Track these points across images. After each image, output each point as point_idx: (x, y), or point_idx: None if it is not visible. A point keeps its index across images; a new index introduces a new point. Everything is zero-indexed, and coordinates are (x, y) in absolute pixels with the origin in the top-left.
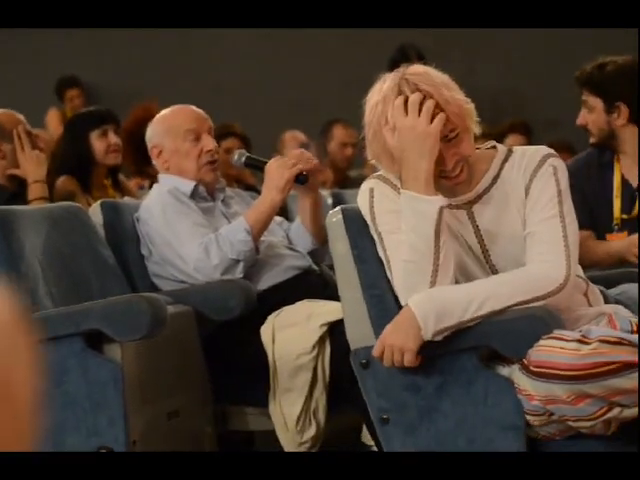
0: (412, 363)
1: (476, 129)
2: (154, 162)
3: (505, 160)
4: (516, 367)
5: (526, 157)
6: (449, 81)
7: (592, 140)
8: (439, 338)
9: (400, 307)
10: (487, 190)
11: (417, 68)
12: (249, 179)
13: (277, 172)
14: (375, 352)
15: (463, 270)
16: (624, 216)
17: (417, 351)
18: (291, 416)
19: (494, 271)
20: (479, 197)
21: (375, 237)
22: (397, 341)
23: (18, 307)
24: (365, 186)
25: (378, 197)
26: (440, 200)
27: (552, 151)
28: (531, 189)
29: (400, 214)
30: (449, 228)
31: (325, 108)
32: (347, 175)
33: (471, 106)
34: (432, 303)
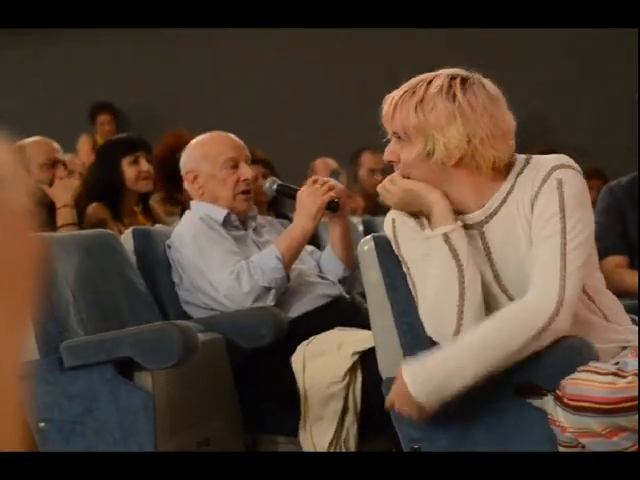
0: (424, 420)
1: (443, 155)
2: (187, 187)
3: (520, 173)
4: (550, 398)
5: (535, 169)
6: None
7: None
8: (436, 402)
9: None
10: (498, 208)
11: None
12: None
13: (309, 199)
14: (387, 406)
15: None
16: None
17: (424, 416)
18: (322, 445)
19: (508, 296)
20: (490, 216)
21: (404, 267)
22: (403, 408)
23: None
24: (388, 216)
25: (400, 226)
26: (444, 228)
27: (565, 161)
28: (535, 205)
29: (422, 242)
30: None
31: (357, 135)
32: (377, 202)
33: (454, 133)
34: (424, 379)
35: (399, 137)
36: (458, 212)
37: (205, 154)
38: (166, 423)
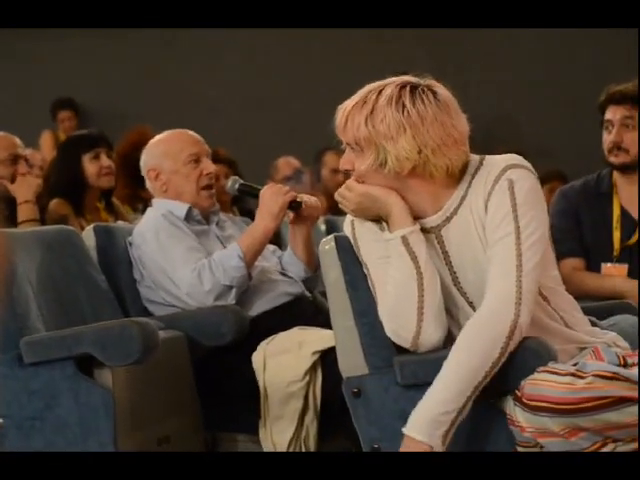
0: None
1: (394, 165)
2: (149, 185)
3: (474, 175)
4: (509, 398)
5: (486, 171)
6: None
7: (620, 160)
8: (450, 436)
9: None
10: (455, 212)
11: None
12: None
13: (271, 199)
14: None
15: None
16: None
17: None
18: (281, 443)
19: (466, 298)
20: (447, 220)
21: (363, 268)
22: None
23: None
24: (348, 218)
25: (359, 228)
26: (402, 230)
27: (516, 161)
28: (488, 206)
29: (380, 244)
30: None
31: (321, 134)
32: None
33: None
34: (422, 418)
35: (352, 146)
36: (415, 217)
37: (167, 151)
38: (126, 420)
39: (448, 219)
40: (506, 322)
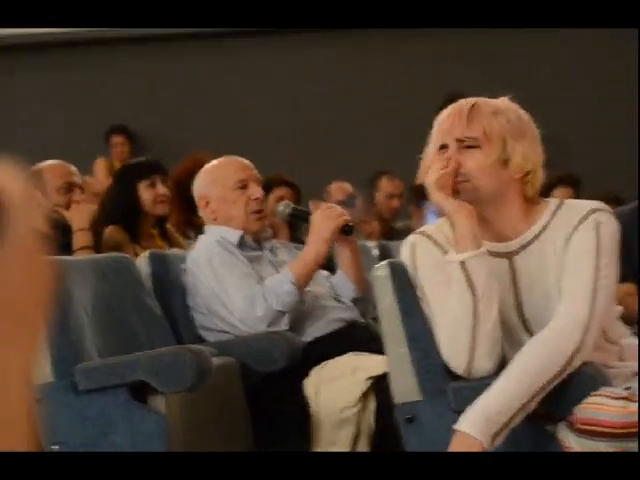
0: None
1: (513, 171)
2: (201, 213)
3: (555, 213)
4: (562, 424)
5: (572, 210)
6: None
7: None
8: (499, 442)
9: (444, 362)
10: (532, 241)
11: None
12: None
13: (323, 223)
14: None
15: None
16: None
17: None
18: None
19: (525, 326)
20: (522, 247)
21: (419, 292)
22: None
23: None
24: (408, 241)
25: (420, 252)
26: (462, 255)
27: (602, 206)
28: (570, 242)
29: (441, 269)
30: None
31: (373, 158)
32: (393, 226)
33: (524, 150)
34: (475, 414)
35: (469, 145)
36: (492, 239)
37: (214, 179)
38: (179, 447)
39: (524, 247)
40: (571, 342)
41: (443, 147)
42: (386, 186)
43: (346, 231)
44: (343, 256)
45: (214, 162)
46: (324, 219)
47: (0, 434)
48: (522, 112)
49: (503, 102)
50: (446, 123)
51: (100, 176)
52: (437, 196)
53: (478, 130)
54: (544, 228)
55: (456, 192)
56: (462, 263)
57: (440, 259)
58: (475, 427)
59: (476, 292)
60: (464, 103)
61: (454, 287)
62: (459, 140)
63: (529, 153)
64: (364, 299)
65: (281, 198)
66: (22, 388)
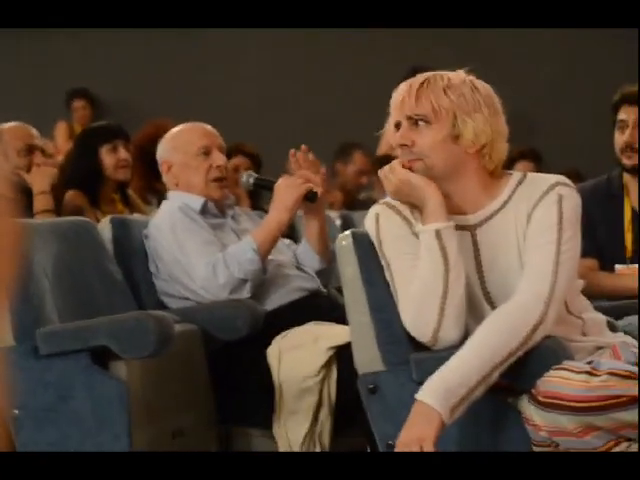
0: (431, 449)
1: (467, 145)
2: (164, 178)
3: (517, 186)
4: (524, 397)
5: (534, 184)
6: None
7: (633, 162)
8: (458, 414)
9: (407, 332)
10: (493, 215)
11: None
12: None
13: (286, 191)
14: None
15: None
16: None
17: (436, 438)
18: (296, 439)
19: (487, 299)
20: (484, 221)
21: (383, 262)
22: (414, 435)
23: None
24: (372, 212)
25: (384, 223)
26: (436, 224)
27: (565, 180)
28: (532, 216)
29: (406, 239)
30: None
31: (337, 128)
32: (355, 197)
33: (478, 124)
34: (436, 385)
35: (418, 121)
36: (452, 212)
37: (177, 144)
38: (141, 413)
39: (486, 220)
40: (533, 316)
41: (397, 124)
42: (360, 161)
43: (309, 198)
44: (309, 226)
45: (178, 127)
46: (287, 187)
47: None
48: (480, 85)
49: (458, 76)
50: (397, 100)
51: (60, 139)
52: (402, 172)
53: (427, 107)
54: (506, 202)
55: (411, 171)
56: (437, 232)
57: (404, 230)
58: (434, 398)
59: (449, 261)
60: (416, 79)
61: (426, 256)
62: (409, 117)
63: (482, 127)
64: (327, 269)
65: (238, 167)
66: None
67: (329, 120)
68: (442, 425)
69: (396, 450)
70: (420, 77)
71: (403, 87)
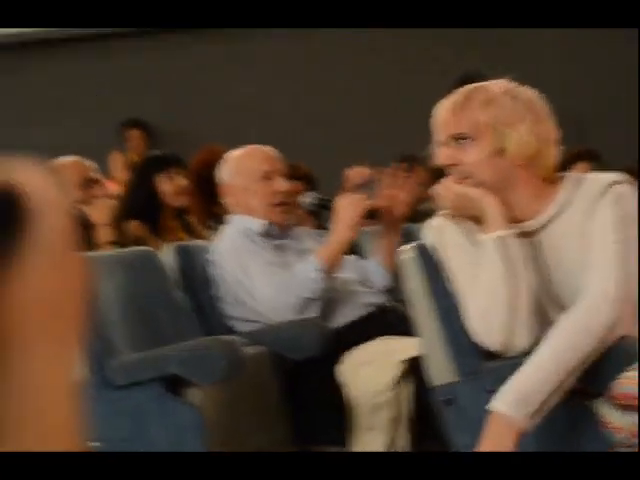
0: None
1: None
2: (224, 201)
3: (574, 188)
4: (602, 401)
5: (592, 184)
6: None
7: None
8: (536, 421)
9: (475, 343)
10: (553, 219)
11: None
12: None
13: (347, 209)
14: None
15: None
16: None
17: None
18: None
19: (555, 302)
20: (544, 226)
21: (447, 273)
22: (493, 446)
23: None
24: (432, 223)
25: (446, 233)
26: (499, 232)
27: (623, 178)
28: (592, 217)
29: (468, 249)
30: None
31: (391, 143)
32: (416, 209)
33: (523, 137)
34: (511, 394)
35: (460, 139)
36: (513, 221)
37: (239, 168)
38: (215, 438)
39: (546, 225)
40: (601, 318)
41: (442, 142)
42: (421, 173)
43: (371, 215)
44: (380, 243)
45: (240, 150)
46: (348, 205)
47: (47, 432)
48: (524, 91)
49: (499, 87)
50: (439, 120)
51: (116, 170)
52: (458, 187)
53: (467, 125)
54: (563, 205)
55: None
56: (500, 240)
57: (466, 240)
58: (511, 407)
59: (513, 268)
60: (455, 97)
61: (490, 265)
62: (452, 136)
63: (527, 138)
64: (398, 286)
65: (296, 192)
66: (67, 385)
67: (383, 133)
68: (520, 434)
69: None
70: (459, 93)
71: (444, 104)
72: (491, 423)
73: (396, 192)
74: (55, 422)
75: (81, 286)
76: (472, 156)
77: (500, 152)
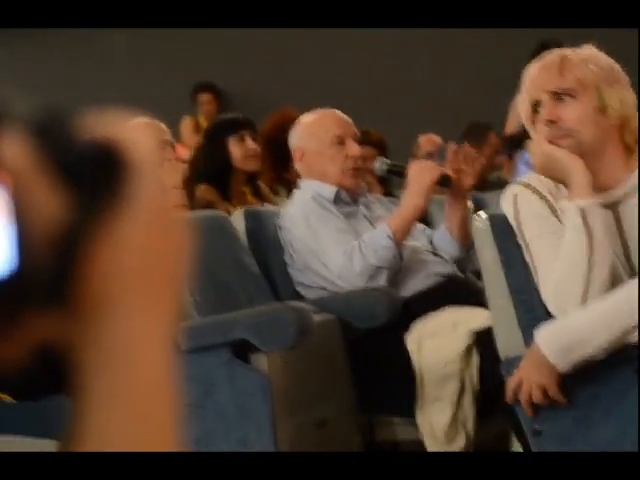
0: (558, 397)
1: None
2: (296, 165)
3: None
4: None
5: None
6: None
7: None
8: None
9: (549, 314)
10: (634, 189)
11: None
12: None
13: (419, 176)
14: (511, 385)
15: None
16: None
17: (558, 385)
18: (440, 426)
19: (633, 275)
20: (626, 196)
21: (522, 243)
22: (534, 377)
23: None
24: (509, 192)
25: (523, 203)
26: (581, 201)
27: None
28: None
29: (546, 218)
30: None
31: (461, 108)
32: (486, 179)
33: (622, 103)
34: (558, 337)
35: (564, 95)
36: (597, 190)
37: (312, 131)
38: (283, 405)
39: (627, 195)
40: None
41: (536, 103)
42: (495, 143)
43: (443, 182)
44: (450, 212)
45: (313, 114)
46: (420, 172)
47: (142, 396)
48: (611, 59)
49: (591, 50)
50: (538, 77)
51: (187, 134)
52: (548, 148)
53: (572, 80)
54: None
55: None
56: (582, 210)
57: (544, 209)
58: (554, 350)
59: (594, 240)
60: (552, 56)
61: (570, 234)
62: (553, 93)
63: (625, 98)
64: (467, 257)
65: (366, 156)
66: (163, 347)
67: (451, 100)
68: (560, 376)
69: (510, 383)
70: (554, 54)
71: (541, 63)
72: (534, 356)
73: (464, 165)
74: (149, 387)
75: (181, 244)
76: (576, 112)
77: (602, 110)
